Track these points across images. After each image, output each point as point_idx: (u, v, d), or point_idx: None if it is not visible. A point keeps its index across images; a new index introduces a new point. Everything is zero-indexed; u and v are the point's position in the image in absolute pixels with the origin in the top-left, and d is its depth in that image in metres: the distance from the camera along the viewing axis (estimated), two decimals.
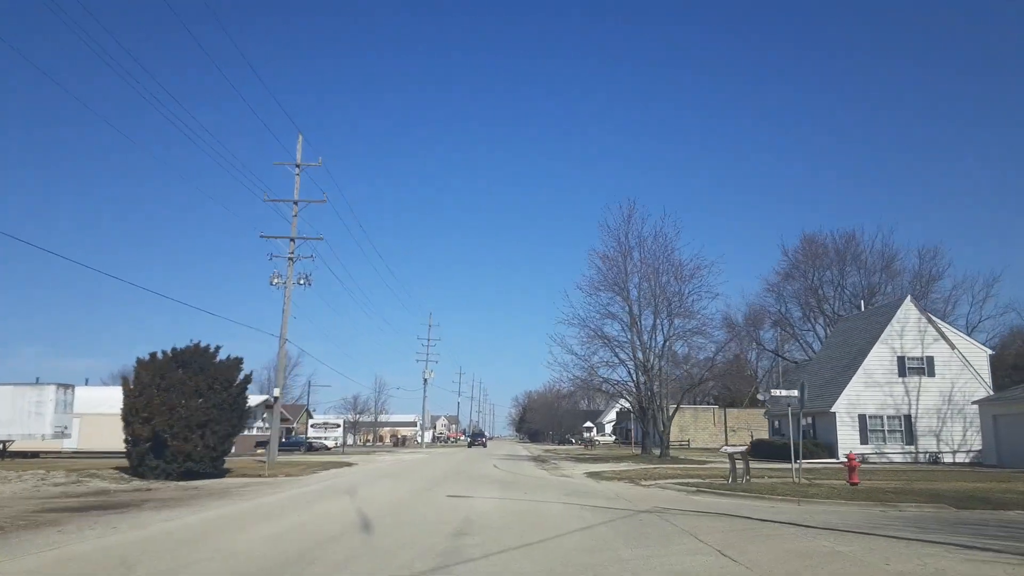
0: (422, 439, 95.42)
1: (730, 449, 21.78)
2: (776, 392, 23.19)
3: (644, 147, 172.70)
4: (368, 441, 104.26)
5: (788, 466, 27.10)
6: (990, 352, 39.19)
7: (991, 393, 36.51)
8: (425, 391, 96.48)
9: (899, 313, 38.38)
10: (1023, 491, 18.83)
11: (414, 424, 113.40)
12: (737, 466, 21.37)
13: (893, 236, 60.42)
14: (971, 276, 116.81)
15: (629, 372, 41.27)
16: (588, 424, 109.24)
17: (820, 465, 32.14)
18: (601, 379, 42.22)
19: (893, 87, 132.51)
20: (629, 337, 40.21)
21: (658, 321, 39.11)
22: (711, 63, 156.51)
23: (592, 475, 26.43)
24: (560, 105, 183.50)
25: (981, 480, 22.39)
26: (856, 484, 19.96)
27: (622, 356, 40.53)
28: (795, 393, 21.82)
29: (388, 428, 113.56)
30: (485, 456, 49.52)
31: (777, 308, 66.54)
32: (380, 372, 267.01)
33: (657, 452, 39.18)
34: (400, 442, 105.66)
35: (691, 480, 22.26)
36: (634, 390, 41.28)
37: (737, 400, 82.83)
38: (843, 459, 37.52)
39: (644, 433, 42.37)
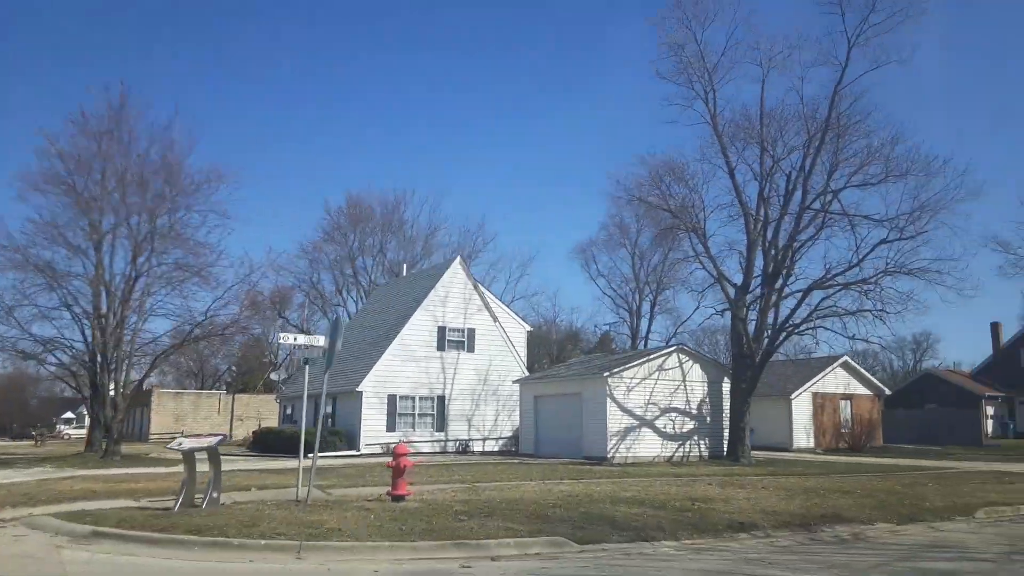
0: None
1: (189, 444, 11.29)
2: (291, 339, 13.38)
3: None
4: None
5: (307, 464, 18.67)
6: (529, 328, 35.98)
7: (527, 373, 32.89)
8: None
9: (447, 276, 32.47)
10: (640, 500, 12.28)
11: None
12: (198, 474, 10.98)
13: (442, 205, 57.26)
14: (508, 255, 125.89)
15: (81, 327, 27.46)
16: (69, 414, 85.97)
17: (340, 461, 23.59)
18: (33, 339, 27.45)
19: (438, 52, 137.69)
20: (85, 268, 26.60)
21: (134, 245, 26.36)
22: None
23: None
24: None
25: (564, 479, 15.87)
26: (404, 497, 11.20)
27: (69, 299, 26.59)
28: (321, 340, 12.30)
29: None
30: None
31: (309, 276, 57.89)
32: None
33: (103, 451, 26.22)
34: None
35: (114, 504, 11.30)
36: (86, 358, 27.63)
37: (251, 385, 72.04)
38: (365, 451, 30.31)
39: (95, 422, 28.73)
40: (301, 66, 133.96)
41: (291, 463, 22.59)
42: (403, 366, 30.63)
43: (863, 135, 23.46)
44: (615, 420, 24.89)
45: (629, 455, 24.63)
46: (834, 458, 28.13)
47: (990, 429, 44.36)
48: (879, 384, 37.00)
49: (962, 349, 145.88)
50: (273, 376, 48.95)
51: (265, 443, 32.14)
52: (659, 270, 55.26)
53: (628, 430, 25.14)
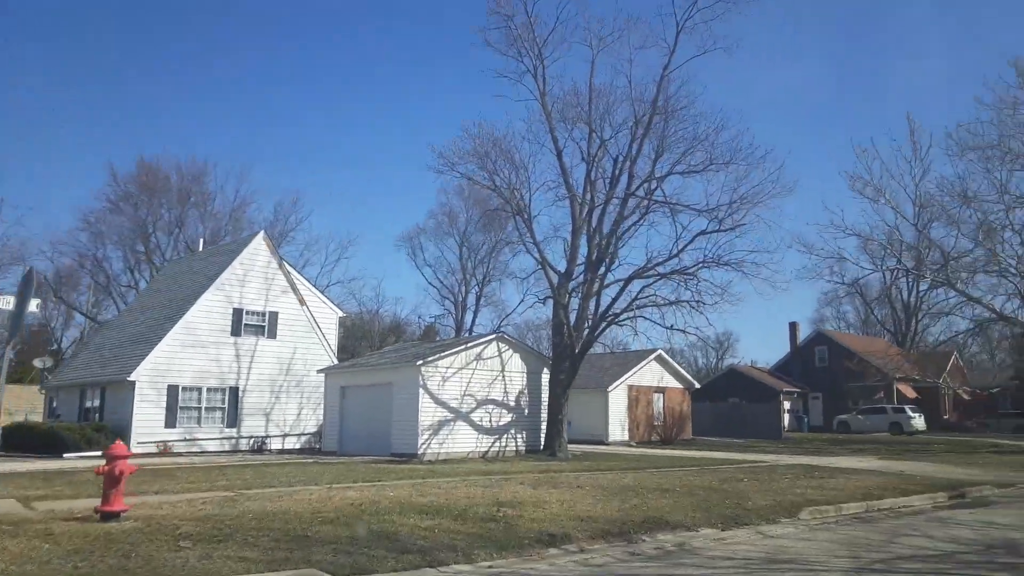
0: None
1: None
2: None
3: None
4: None
5: (58, 466, 17.47)
6: (342, 314, 32.98)
7: (336, 362, 29.98)
8: None
9: (247, 252, 28.74)
10: (437, 508, 10.24)
11: None
12: None
13: (252, 177, 52.28)
14: (326, 236, 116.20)
15: None
16: None
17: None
18: None
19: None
20: None
21: None
22: None
23: None
24: None
25: (358, 482, 13.42)
26: (118, 515, 8.35)
27: None
28: (7, 302, 9.03)
29: None
30: None
31: (93, 253, 50.71)
32: None
33: None
34: None
35: None
36: None
37: (26, 375, 62.40)
38: (138, 450, 24.93)
39: None
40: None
41: (44, 464, 18.61)
42: (189, 353, 26.63)
43: (689, 122, 23.11)
44: (428, 413, 22.80)
45: (442, 451, 22.64)
46: (648, 451, 27.88)
47: (787, 423, 47.30)
48: (689, 378, 37.85)
49: (759, 348, 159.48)
50: (36, 363, 41.99)
51: (17, 441, 26.82)
52: (486, 261, 54.14)
53: (442, 424, 23.15)
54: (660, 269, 23.29)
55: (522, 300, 45.42)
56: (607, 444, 31.58)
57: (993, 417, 49.08)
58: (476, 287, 55.61)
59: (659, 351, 35.34)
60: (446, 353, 23.67)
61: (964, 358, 55.85)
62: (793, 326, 51.79)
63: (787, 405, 48.33)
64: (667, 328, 22.84)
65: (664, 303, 23.27)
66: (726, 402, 45.00)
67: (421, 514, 9.55)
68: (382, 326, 61.06)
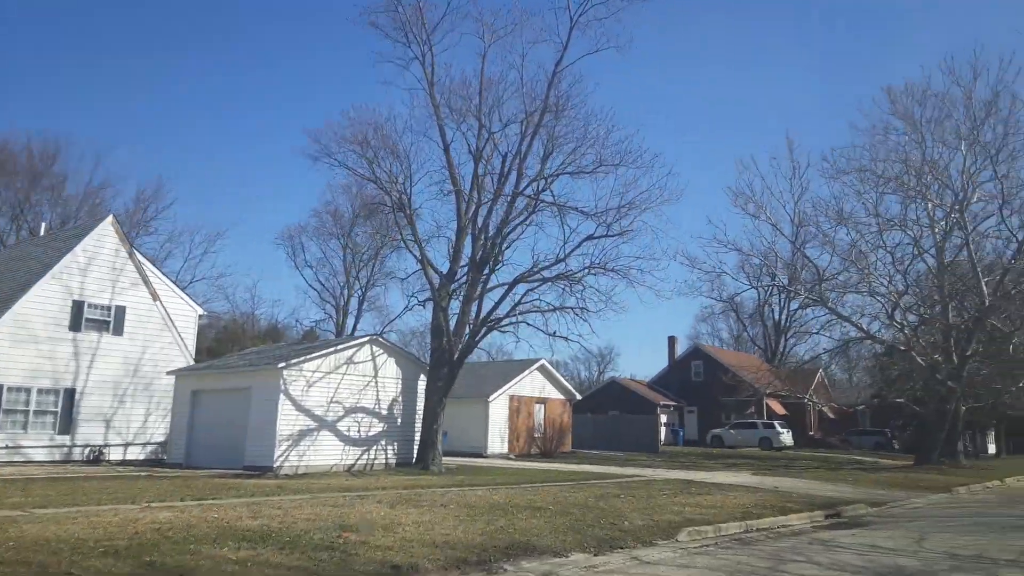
0: None
1: None
2: None
3: None
4: None
5: None
6: (202, 312, 30.14)
7: (192, 362, 27.27)
8: None
9: (92, 237, 25.63)
10: (263, 535, 8.60)
11: None
12: None
13: (112, 158, 47.90)
14: (193, 227, 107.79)
15: None
16: None
17: None
18: None
19: None
20: None
21: None
22: None
23: None
24: None
25: (184, 500, 11.43)
26: None
27: None
28: None
29: None
30: None
31: None
32: None
33: None
34: None
35: None
36: None
37: None
38: None
39: None
40: None
41: None
42: (17, 349, 23.35)
43: (580, 121, 22.38)
44: (288, 421, 20.78)
45: (302, 464, 20.68)
46: (527, 464, 26.91)
47: (663, 436, 47.79)
48: (571, 389, 37.32)
49: (639, 362, 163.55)
50: None
51: None
52: (371, 264, 52.04)
53: (304, 434, 21.17)
54: (546, 273, 22.39)
55: (407, 306, 43.56)
56: (486, 457, 30.37)
57: (854, 434, 51.57)
58: (359, 290, 53.38)
59: (542, 361, 34.58)
60: (313, 356, 21.75)
61: (828, 377, 58.67)
62: (672, 340, 52.65)
63: (664, 418, 48.92)
64: (550, 335, 21.93)
65: (548, 309, 22.36)
66: (606, 415, 44.92)
67: (241, 542, 7.88)
68: (258, 330, 57.59)
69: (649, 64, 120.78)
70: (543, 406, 34.99)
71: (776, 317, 61.95)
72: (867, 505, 15.58)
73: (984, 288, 30.81)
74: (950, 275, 31.64)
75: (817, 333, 39.75)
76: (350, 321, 52.90)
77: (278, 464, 20.12)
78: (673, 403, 50.18)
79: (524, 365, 34.33)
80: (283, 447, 20.38)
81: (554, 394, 35.81)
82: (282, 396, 20.62)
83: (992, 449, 50.75)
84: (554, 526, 10.16)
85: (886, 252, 30.24)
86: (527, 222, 22.64)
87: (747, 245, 32.50)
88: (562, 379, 36.40)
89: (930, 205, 31.38)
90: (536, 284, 22.44)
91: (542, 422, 34.61)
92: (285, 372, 20.78)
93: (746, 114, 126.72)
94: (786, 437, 43.32)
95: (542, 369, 34.95)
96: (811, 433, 50.73)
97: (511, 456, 31.58)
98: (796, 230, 30.72)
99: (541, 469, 23.53)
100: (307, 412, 21.25)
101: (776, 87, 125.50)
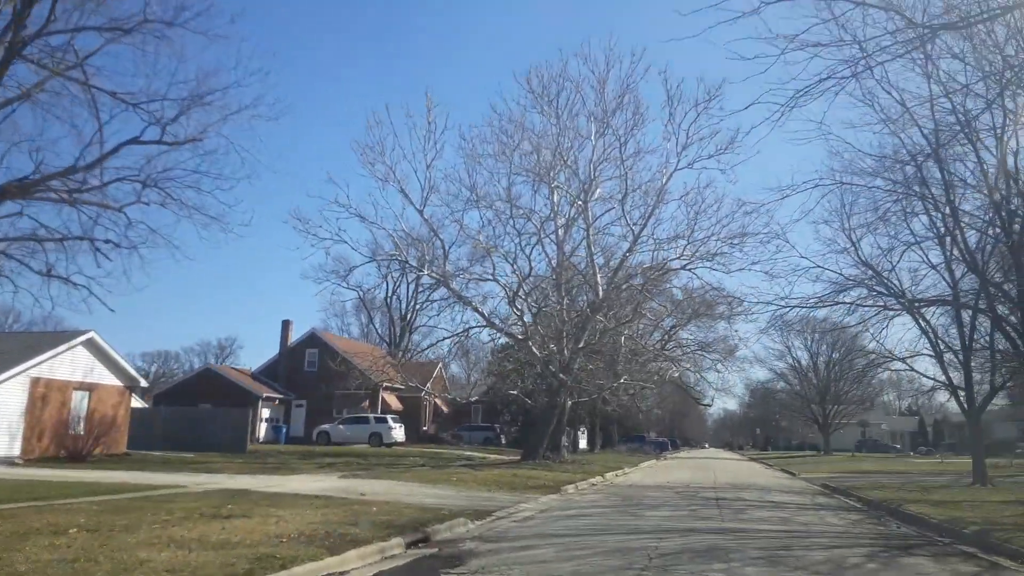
0: None
1: None
2: None
3: None
4: None
5: None
6: None
7: None
8: None
9: None
10: None
11: None
12: None
13: None
14: None
15: None
16: None
17: None
18: None
19: None
20: None
21: None
22: None
23: None
24: None
25: None
26: None
27: None
28: None
29: None
30: None
31: None
32: None
33: None
34: None
35: None
36: None
37: None
38: None
39: None
40: None
41: None
42: None
43: None
44: None
45: None
46: (39, 473, 18.57)
47: (263, 433, 41.08)
48: (134, 373, 28.73)
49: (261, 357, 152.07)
50: None
51: None
52: None
53: None
54: (57, 184, 14.70)
55: None
56: None
57: (466, 429, 50.67)
58: None
59: (91, 333, 25.78)
60: None
61: (449, 373, 57.58)
62: (286, 325, 46.14)
63: (267, 413, 42.31)
64: (44, 274, 14.29)
65: (59, 238, 14.73)
66: (196, 407, 36.91)
67: None
68: None
69: None
70: (89, 394, 26.11)
71: (403, 310, 59.37)
72: (469, 518, 11.49)
73: (599, 281, 30.54)
74: (569, 266, 30.87)
75: (438, 315, 37.06)
76: None
77: None
78: (280, 396, 43.75)
79: (60, 339, 25.19)
80: None
81: (108, 379, 27.08)
82: None
83: (584, 444, 53.95)
84: None
85: (514, 236, 28.11)
86: (36, 94, 14.58)
87: (371, 212, 27.98)
88: (120, 360, 27.64)
89: (555, 195, 30.31)
90: (37, 199, 14.61)
91: (83, 415, 25.73)
92: None
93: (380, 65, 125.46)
94: (398, 433, 39.89)
95: (90, 345, 26.04)
96: (424, 428, 48.46)
97: (18, 461, 22.40)
98: (424, 196, 27.01)
99: (50, 482, 15.67)
100: None
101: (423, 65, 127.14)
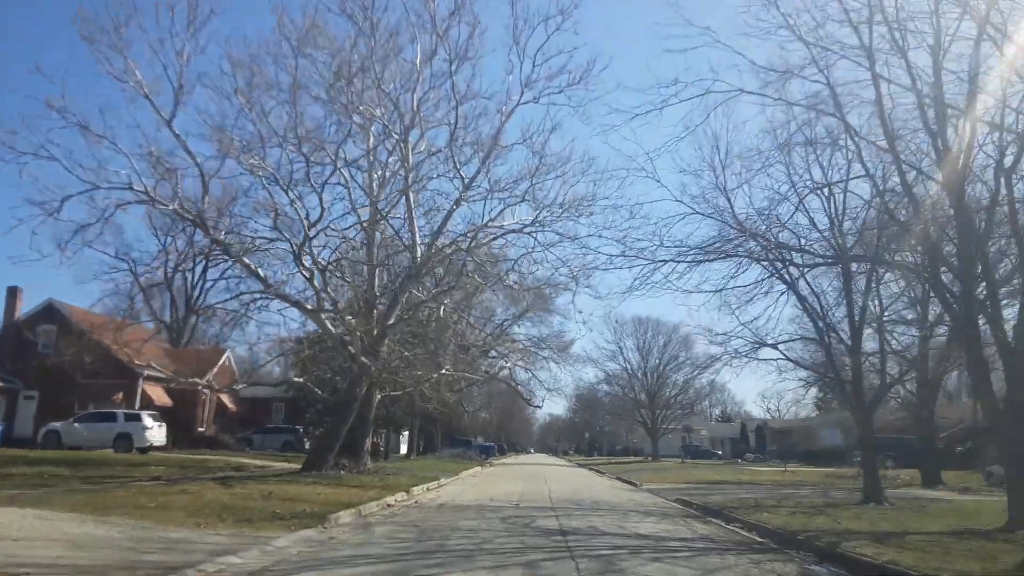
0: None
1: None
2: None
3: None
4: None
5: None
6: None
7: None
8: None
9: None
10: None
11: None
12: None
13: None
14: None
15: None
16: None
17: None
18: None
19: None
20: None
21: None
22: None
23: None
24: None
25: None
26: None
27: None
28: None
29: None
30: None
31: None
32: None
33: None
34: None
35: None
36: None
37: None
38: None
39: None
40: None
41: None
42: None
43: None
44: None
45: None
46: None
47: None
48: None
49: None
50: None
51: None
52: None
53: None
54: None
55: None
56: None
57: (264, 431, 42.38)
58: None
59: None
60: None
61: (241, 362, 48.52)
62: (13, 292, 35.53)
63: None
64: None
65: None
66: None
67: None
68: None
69: None
70: None
71: (189, 290, 49.55)
72: None
73: (418, 241, 24.20)
74: (381, 221, 24.25)
75: (221, 279, 28.99)
76: None
77: None
78: (1, 384, 33.39)
79: None
80: None
81: None
82: None
83: (404, 449, 47.38)
84: None
85: (301, 165, 20.88)
86: None
87: (102, 126, 19.69)
88: None
89: (371, 137, 23.70)
90: None
91: None
92: None
93: None
94: (156, 434, 31.12)
95: None
96: (201, 430, 39.49)
97: None
98: (176, 101, 19.26)
99: None
100: None
101: None
